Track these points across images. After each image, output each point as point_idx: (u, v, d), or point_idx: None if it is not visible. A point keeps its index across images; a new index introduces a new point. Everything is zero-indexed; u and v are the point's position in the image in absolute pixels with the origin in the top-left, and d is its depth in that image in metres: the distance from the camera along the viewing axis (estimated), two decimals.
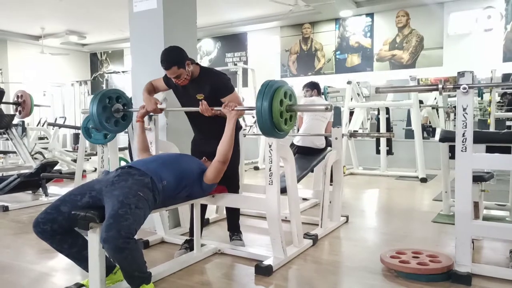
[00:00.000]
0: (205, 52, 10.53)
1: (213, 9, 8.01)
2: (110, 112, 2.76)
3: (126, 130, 3.33)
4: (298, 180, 3.54)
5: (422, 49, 8.06)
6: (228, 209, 2.99)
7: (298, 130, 4.61)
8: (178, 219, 3.35)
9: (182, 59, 2.50)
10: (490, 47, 7.42)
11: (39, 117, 9.26)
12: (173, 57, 2.50)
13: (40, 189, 4.72)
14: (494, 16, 7.40)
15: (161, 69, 3.13)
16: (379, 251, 2.63)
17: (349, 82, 6.73)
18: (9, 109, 7.31)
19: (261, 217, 3.51)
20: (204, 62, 10.52)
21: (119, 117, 2.83)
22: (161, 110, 2.69)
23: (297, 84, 9.22)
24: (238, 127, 2.86)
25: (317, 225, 3.23)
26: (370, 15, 8.53)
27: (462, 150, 2.25)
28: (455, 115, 6.96)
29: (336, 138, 3.44)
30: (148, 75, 3.30)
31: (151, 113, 2.76)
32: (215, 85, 2.57)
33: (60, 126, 7.92)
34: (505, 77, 7.02)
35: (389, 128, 6.66)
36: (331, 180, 3.42)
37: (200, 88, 2.58)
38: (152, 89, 2.80)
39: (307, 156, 4.04)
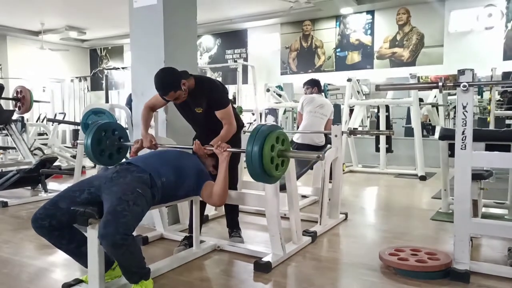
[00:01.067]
0: (205, 49, 10.52)
1: (213, 5, 7.99)
2: (105, 145, 2.72)
3: (126, 126, 3.34)
4: (298, 177, 3.54)
5: (422, 47, 8.05)
6: (227, 206, 2.99)
7: (298, 127, 4.62)
8: (178, 215, 3.36)
9: (177, 82, 2.45)
10: (491, 45, 7.41)
11: (39, 113, 9.26)
12: (168, 82, 2.45)
13: (40, 185, 4.72)
14: (495, 14, 7.39)
15: (161, 66, 3.14)
16: (378, 248, 2.63)
17: (349, 80, 6.72)
18: (8, 105, 7.30)
19: (260, 214, 3.51)
20: (204, 59, 10.51)
21: (114, 150, 2.78)
22: (156, 146, 2.63)
23: (297, 81, 9.25)
24: (240, 125, 2.86)
25: (316, 222, 3.24)
26: (371, 12, 8.52)
27: (461, 148, 2.25)
28: (455, 113, 6.98)
29: (335, 136, 3.44)
30: (148, 71, 3.30)
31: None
32: (210, 98, 2.59)
33: (59, 122, 7.91)
34: (505, 75, 7.02)
35: (388, 126, 6.66)
36: (331, 178, 3.43)
37: (198, 102, 2.60)
38: (148, 116, 2.75)
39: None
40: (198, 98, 2.59)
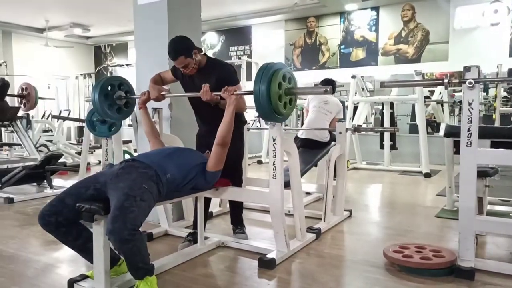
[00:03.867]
0: (209, 46, 10.51)
1: (218, 2, 7.98)
2: (112, 100, 2.74)
3: (131, 122, 3.35)
4: (302, 174, 3.54)
5: (427, 43, 8.00)
6: (232, 203, 3.00)
7: (302, 124, 4.60)
8: (182, 212, 3.37)
9: (189, 48, 2.50)
10: (497, 42, 7.35)
11: (44, 110, 9.29)
12: (180, 47, 2.49)
13: (45, 181, 4.75)
14: (501, 10, 7.33)
15: (165, 62, 3.14)
16: (382, 245, 2.63)
17: (353, 77, 6.70)
18: (13, 102, 7.35)
19: (265, 211, 3.52)
20: None
21: (121, 104, 2.81)
22: (164, 97, 2.66)
23: (301, 78, 9.22)
24: (242, 121, 2.86)
25: (320, 219, 3.23)
26: (376, 8, 8.47)
27: (467, 145, 2.23)
28: (460, 110, 6.93)
29: (340, 133, 3.43)
30: (152, 68, 3.30)
31: (154, 103, 2.74)
32: (220, 75, 2.57)
33: (64, 119, 7.94)
34: (511, 72, 6.97)
35: (393, 123, 6.64)
36: (335, 175, 3.42)
37: (206, 79, 2.57)
38: (159, 80, 2.79)
39: (311, 150, 4.04)
40: (207, 75, 2.58)
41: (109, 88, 2.73)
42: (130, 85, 2.89)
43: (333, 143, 4.00)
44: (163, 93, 2.66)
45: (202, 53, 2.64)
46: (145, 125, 2.68)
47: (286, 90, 2.16)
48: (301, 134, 4.25)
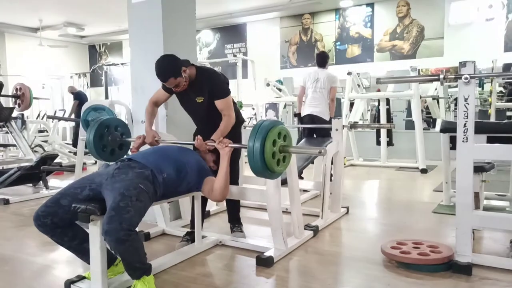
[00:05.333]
0: (204, 44, 10.48)
1: None
2: (107, 141, 2.71)
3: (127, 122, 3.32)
4: (299, 172, 3.54)
5: (422, 39, 8.02)
6: (229, 201, 2.99)
7: (298, 100, 5.06)
8: (179, 211, 3.36)
9: (177, 68, 2.45)
10: (491, 37, 7.38)
11: (39, 110, 9.24)
12: (168, 68, 2.44)
13: (41, 182, 4.72)
14: (495, 6, 7.35)
15: None
16: (379, 242, 2.63)
17: (349, 73, 6.70)
18: (8, 102, 7.30)
19: (262, 209, 3.51)
20: (204, 54, 10.48)
21: (116, 146, 2.78)
22: (158, 142, 2.64)
23: (297, 75, 9.23)
24: (240, 120, 2.85)
25: (318, 216, 3.23)
26: (371, 5, 8.47)
27: (463, 141, 2.24)
28: (455, 105, 6.96)
29: (336, 130, 3.43)
30: (147, 66, 3.27)
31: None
32: (211, 89, 2.57)
33: (59, 119, 7.90)
34: (506, 67, 6.99)
35: (389, 119, 6.64)
36: (331, 177, 3.43)
37: (199, 91, 2.58)
38: (153, 111, 2.74)
39: (312, 139, 4.20)
40: (199, 87, 2.57)
41: (105, 130, 2.69)
42: (126, 127, 2.85)
43: (330, 140, 4.01)
44: (156, 139, 2.62)
45: (191, 65, 2.59)
46: None
47: (281, 147, 2.13)
48: (303, 112, 4.61)
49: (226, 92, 2.61)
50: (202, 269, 2.40)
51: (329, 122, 4.25)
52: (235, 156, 2.76)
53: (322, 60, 4.82)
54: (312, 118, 4.58)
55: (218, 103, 2.57)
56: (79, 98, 8.04)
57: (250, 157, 2.06)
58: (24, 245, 2.93)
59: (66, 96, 11.83)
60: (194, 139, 2.85)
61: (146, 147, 2.63)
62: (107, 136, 2.71)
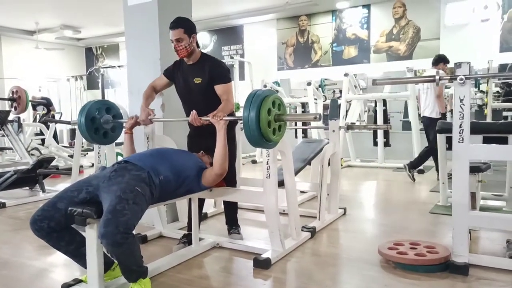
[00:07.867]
0: (201, 46, 10.42)
1: (209, 1, 7.95)
2: (99, 124, 2.72)
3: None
4: (296, 173, 3.54)
5: (419, 40, 8.04)
6: (226, 203, 2.99)
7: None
8: (176, 213, 3.35)
9: (191, 27, 2.57)
10: (487, 38, 7.40)
11: (35, 113, 9.18)
12: (184, 21, 2.58)
13: (37, 185, 4.71)
14: (491, 6, 7.38)
15: (157, 63, 3.14)
16: (377, 242, 2.64)
17: (346, 74, 6.71)
18: (4, 105, 7.27)
19: (259, 211, 3.51)
20: None
21: (108, 128, 2.78)
22: (151, 121, 2.65)
23: (294, 77, 9.23)
24: (235, 122, 2.84)
25: (315, 217, 3.24)
26: (367, 6, 8.49)
27: (459, 141, 2.24)
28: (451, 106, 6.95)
29: (333, 131, 3.44)
30: (144, 68, 3.28)
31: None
32: (213, 71, 2.57)
33: (56, 122, 7.87)
34: (502, 67, 7.02)
35: (386, 120, 6.66)
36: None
37: (199, 72, 2.58)
38: (151, 93, 2.75)
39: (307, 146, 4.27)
40: (200, 69, 2.59)
41: (96, 112, 2.69)
42: (118, 109, 2.84)
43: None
44: (150, 117, 2.62)
45: (199, 49, 2.65)
46: (126, 152, 2.64)
47: (276, 116, 2.14)
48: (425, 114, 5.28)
49: (228, 79, 2.61)
50: (200, 272, 2.40)
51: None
52: (231, 158, 2.75)
53: (443, 61, 5.23)
54: (427, 119, 5.28)
55: (219, 88, 2.54)
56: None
57: (246, 127, 2.06)
58: (21, 248, 2.92)
59: (63, 98, 11.82)
60: (188, 141, 2.85)
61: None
62: (99, 119, 2.71)
